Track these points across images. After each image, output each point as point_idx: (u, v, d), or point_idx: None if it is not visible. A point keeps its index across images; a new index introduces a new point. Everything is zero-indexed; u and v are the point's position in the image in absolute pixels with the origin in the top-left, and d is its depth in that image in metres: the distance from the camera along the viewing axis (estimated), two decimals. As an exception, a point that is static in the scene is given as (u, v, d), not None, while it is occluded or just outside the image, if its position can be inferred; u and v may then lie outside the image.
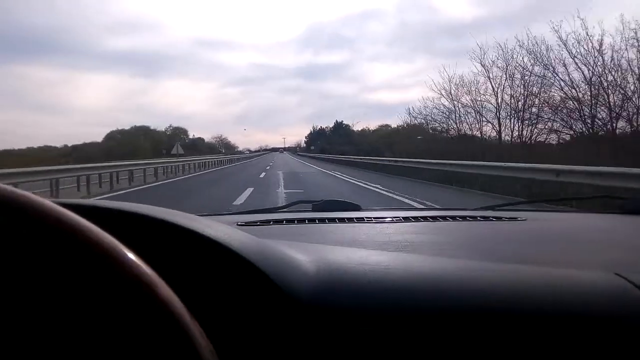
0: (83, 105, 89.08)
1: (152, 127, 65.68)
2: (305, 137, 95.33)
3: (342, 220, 1.08)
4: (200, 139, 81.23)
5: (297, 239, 0.81)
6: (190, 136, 79.88)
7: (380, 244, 0.82)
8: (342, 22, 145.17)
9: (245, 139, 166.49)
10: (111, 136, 57.28)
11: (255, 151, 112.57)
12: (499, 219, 1.10)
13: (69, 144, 57.35)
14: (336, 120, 71.47)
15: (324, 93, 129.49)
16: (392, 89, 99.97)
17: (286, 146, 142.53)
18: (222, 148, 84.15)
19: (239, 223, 1.03)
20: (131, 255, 0.26)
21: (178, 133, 71.10)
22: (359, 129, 57.43)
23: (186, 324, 0.25)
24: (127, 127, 61.14)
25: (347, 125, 67.60)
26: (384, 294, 0.41)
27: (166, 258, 0.35)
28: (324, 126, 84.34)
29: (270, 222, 1.07)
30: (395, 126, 45.06)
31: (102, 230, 0.27)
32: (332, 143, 56.18)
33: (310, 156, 51.32)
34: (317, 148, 59.61)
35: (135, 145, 51.06)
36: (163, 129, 69.38)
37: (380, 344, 0.39)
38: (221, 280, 0.38)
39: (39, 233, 0.25)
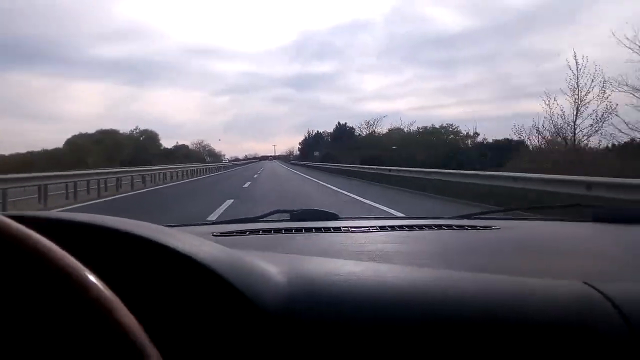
0: (72, 113, 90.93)
1: (121, 131, 60.87)
2: (300, 144, 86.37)
3: (318, 229, 1.16)
4: (184, 146, 76.98)
5: (273, 249, 0.87)
6: (174, 143, 75.45)
7: (355, 253, 0.88)
8: (331, 32, 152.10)
9: (233, 147, 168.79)
10: (72, 141, 52.81)
11: (240, 160, 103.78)
12: (473, 227, 1.19)
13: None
14: (338, 123, 64.70)
15: (313, 103, 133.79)
16: (381, 99, 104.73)
17: (277, 154, 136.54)
18: (207, 156, 79.67)
19: (214, 233, 1.09)
20: (87, 274, 0.28)
21: (151, 138, 64.93)
22: (364, 133, 51.53)
23: (146, 352, 0.27)
24: (91, 131, 56.88)
25: (350, 129, 60.73)
26: (355, 304, 0.45)
27: (130, 272, 0.39)
28: (321, 130, 76.03)
29: (247, 232, 1.14)
30: (408, 130, 40.93)
31: (60, 248, 0.28)
32: (334, 149, 50.47)
33: (309, 166, 42.86)
34: (320, 155, 52.26)
35: (87, 152, 46.28)
36: (128, 132, 63.24)
37: (351, 355, 0.42)
38: (189, 293, 0.41)
39: None
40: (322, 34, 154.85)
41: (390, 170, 16.49)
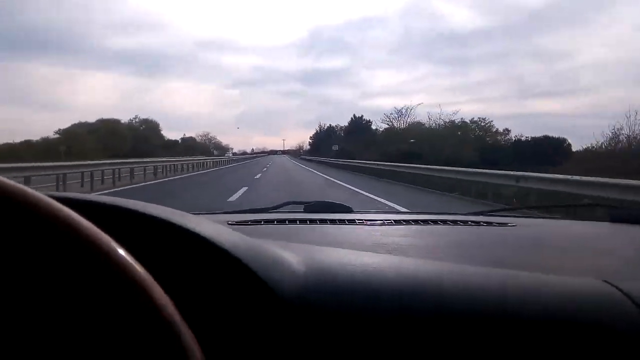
0: (82, 104, 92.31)
1: (123, 121, 58.37)
2: (310, 138, 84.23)
3: (333, 221, 1.20)
4: (191, 138, 77.19)
5: (288, 239, 0.86)
6: (182, 135, 75.47)
7: (370, 246, 0.90)
8: (343, 27, 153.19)
9: (244, 141, 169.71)
10: (69, 130, 49.94)
11: (247, 154, 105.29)
12: (489, 224, 1.22)
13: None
14: (353, 116, 61.03)
15: (324, 98, 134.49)
16: (391, 96, 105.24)
17: (286, 149, 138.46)
18: (214, 149, 79.18)
19: (229, 222, 1.13)
20: (127, 256, 0.30)
21: (151, 128, 62.09)
22: (381, 128, 48.39)
23: (179, 329, 0.29)
24: (92, 120, 54.65)
25: (367, 122, 57.30)
26: (371, 295, 0.46)
27: (157, 255, 0.40)
28: (333, 124, 73.39)
29: (261, 221, 1.19)
30: (431, 125, 37.69)
31: (98, 228, 0.30)
32: (348, 143, 47.50)
33: (322, 162, 39.34)
34: (338, 151, 47.72)
35: (81, 141, 42.87)
36: (127, 121, 60.35)
37: (367, 344, 0.43)
38: (211, 278, 0.43)
39: (35, 228, 0.28)
40: (334, 29, 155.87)
41: (443, 170, 12.91)
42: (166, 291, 0.30)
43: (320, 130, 79.47)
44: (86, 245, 0.29)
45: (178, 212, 0.49)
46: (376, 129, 50.96)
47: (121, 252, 0.30)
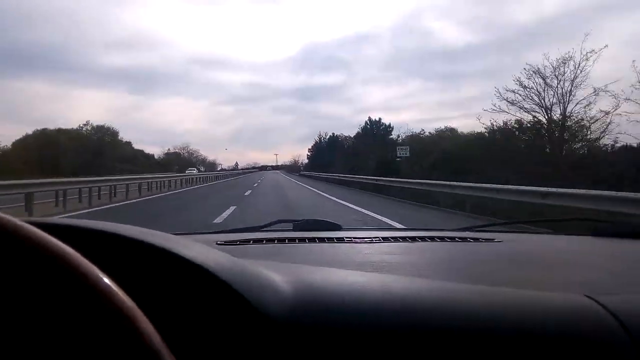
0: (73, 121, 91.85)
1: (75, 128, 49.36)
2: (309, 150, 73.66)
3: (322, 240, 1.20)
4: (176, 154, 68.65)
5: (276, 259, 0.90)
6: (166, 150, 66.77)
7: (359, 264, 0.90)
8: (336, 44, 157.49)
9: (236, 157, 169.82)
10: (23, 141, 43.48)
11: (237, 169, 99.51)
12: (476, 240, 1.24)
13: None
14: (368, 119, 48.69)
15: (317, 113, 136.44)
16: (384, 111, 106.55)
17: (279, 163, 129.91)
18: (199, 164, 73.20)
19: (218, 242, 1.13)
20: (112, 285, 0.30)
21: (108, 138, 50.93)
22: (400, 136, 38.64)
23: (164, 357, 0.29)
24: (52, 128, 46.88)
25: (388, 127, 46.22)
26: (359, 314, 0.46)
27: (141, 278, 0.40)
28: (337, 133, 62.74)
29: (250, 241, 1.18)
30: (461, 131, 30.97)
31: (82, 256, 0.30)
32: (357, 156, 38.62)
33: (338, 181, 27.13)
34: (341, 163, 40.82)
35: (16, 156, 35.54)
36: (77, 127, 50.20)
37: None
38: (197, 301, 0.42)
39: (17, 257, 0.28)
40: (327, 46, 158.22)
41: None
42: (152, 315, 0.30)
43: (320, 140, 68.62)
44: (72, 275, 0.29)
45: (162, 234, 0.49)
46: (398, 137, 40.65)
47: (106, 280, 0.30)
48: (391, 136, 45.02)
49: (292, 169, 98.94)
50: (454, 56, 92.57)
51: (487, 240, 1.25)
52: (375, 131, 48.47)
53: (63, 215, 9.83)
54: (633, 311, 0.50)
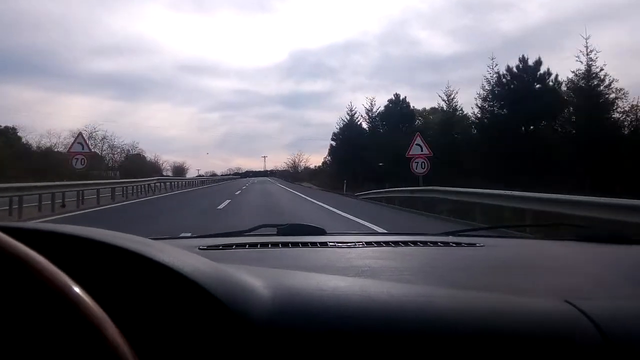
0: (61, 127, 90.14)
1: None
2: (334, 138, 41.87)
3: (305, 244, 1.20)
4: (138, 156, 51.75)
5: (259, 264, 0.88)
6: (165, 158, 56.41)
7: (341, 268, 0.90)
8: (324, 52, 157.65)
9: (221, 163, 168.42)
10: None
11: (216, 176, 75.53)
12: (458, 244, 1.24)
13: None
14: (395, 94, 34.00)
15: (305, 121, 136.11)
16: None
17: (268, 169, 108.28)
18: (166, 170, 58.60)
19: (200, 247, 1.12)
20: (78, 290, 0.29)
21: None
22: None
23: None
24: None
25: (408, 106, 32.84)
26: (340, 319, 0.46)
27: (116, 284, 0.40)
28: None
29: (232, 246, 1.18)
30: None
31: (48, 261, 0.30)
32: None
33: None
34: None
35: None
36: None
37: None
38: (175, 306, 0.42)
39: None
40: (315, 54, 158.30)
41: None
42: (128, 321, 0.30)
43: (351, 117, 38.65)
44: (39, 282, 0.29)
45: (140, 239, 0.48)
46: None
47: (74, 288, 0.30)
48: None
49: (284, 175, 71.84)
50: (440, 65, 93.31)
51: (469, 245, 1.26)
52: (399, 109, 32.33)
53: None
54: (611, 317, 0.51)
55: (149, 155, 59.23)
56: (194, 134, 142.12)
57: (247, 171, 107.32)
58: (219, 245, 1.18)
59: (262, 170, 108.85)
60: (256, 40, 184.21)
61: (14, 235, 0.30)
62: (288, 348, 0.44)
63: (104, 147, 45.09)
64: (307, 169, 70.99)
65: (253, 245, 1.20)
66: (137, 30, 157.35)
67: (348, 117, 39.36)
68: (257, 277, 0.51)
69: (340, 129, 40.41)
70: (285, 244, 1.21)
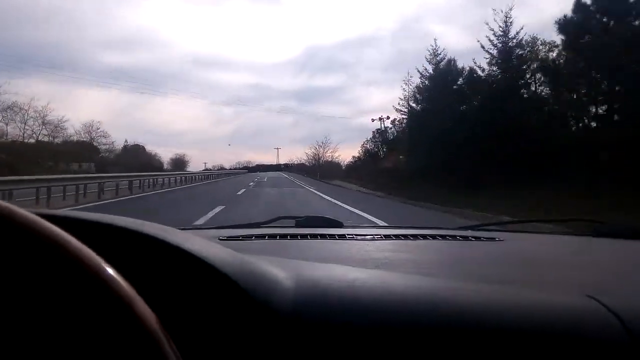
0: (75, 120, 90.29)
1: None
2: (403, 108, 24.45)
3: (323, 236, 1.21)
4: (138, 147, 52.89)
5: (278, 255, 0.87)
6: (175, 151, 55.72)
7: (360, 261, 0.91)
8: (338, 46, 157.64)
9: (233, 157, 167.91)
10: None
11: (221, 170, 66.81)
12: (477, 239, 1.24)
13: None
14: (448, 61, 19.71)
15: (318, 115, 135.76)
16: (385, 113, 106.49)
17: (281, 163, 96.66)
18: (169, 165, 58.16)
19: (220, 237, 1.14)
20: (110, 271, 0.31)
21: None
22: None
23: (163, 345, 0.30)
24: None
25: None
26: (360, 310, 0.47)
27: (144, 271, 0.41)
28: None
29: (252, 237, 1.19)
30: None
31: (82, 244, 0.31)
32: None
33: None
34: None
35: None
36: None
37: (354, 359, 0.44)
38: (199, 294, 0.43)
39: (21, 246, 0.29)
40: (328, 48, 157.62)
41: None
42: (155, 307, 0.31)
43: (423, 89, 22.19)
44: (75, 264, 0.30)
45: (168, 228, 0.49)
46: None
47: (109, 270, 0.31)
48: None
49: (310, 172, 53.87)
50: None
51: (488, 239, 1.25)
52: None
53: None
54: (635, 311, 0.50)
55: (151, 149, 55.07)
56: (207, 127, 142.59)
57: (257, 165, 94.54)
58: (238, 236, 1.19)
59: (275, 164, 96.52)
60: (270, 34, 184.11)
61: (52, 222, 0.31)
62: (311, 338, 0.44)
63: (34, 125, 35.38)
64: (329, 162, 54.12)
65: (272, 236, 1.21)
66: (149, 23, 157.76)
67: (434, 63, 21.65)
68: (278, 267, 0.52)
69: (420, 87, 22.70)
70: (304, 236, 1.22)
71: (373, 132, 36.95)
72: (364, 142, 39.65)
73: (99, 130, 46.18)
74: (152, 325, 0.30)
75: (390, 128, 33.01)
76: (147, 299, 0.31)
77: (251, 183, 28.93)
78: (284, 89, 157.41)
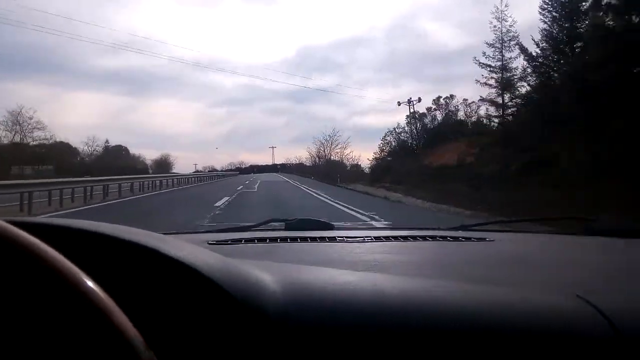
0: (67, 124, 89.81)
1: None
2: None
3: (314, 239, 1.20)
4: (122, 148, 50.60)
5: (268, 258, 0.90)
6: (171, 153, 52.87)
7: (350, 263, 0.91)
8: (331, 46, 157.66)
9: (228, 158, 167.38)
10: None
11: (218, 171, 61.82)
12: (468, 239, 1.24)
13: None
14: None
15: (312, 115, 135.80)
16: (379, 113, 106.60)
17: (277, 163, 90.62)
18: (151, 167, 54.44)
19: (209, 242, 1.13)
20: (88, 281, 0.30)
21: None
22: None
23: (140, 353, 0.29)
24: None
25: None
26: (351, 313, 0.47)
27: (129, 278, 0.41)
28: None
29: (241, 240, 1.18)
30: None
31: (59, 254, 0.30)
32: None
33: None
34: None
35: None
36: None
37: None
38: (185, 300, 0.42)
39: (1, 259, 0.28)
40: (322, 49, 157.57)
41: None
42: (140, 314, 0.31)
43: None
44: (51, 275, 0.29)
45: (153, 234, 0.48)
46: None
47: (86, 280, 0.30)
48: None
49: (312, 173, 46.59)
50: (448, 59, 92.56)
51: (479, 239, 1.25)
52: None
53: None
54: (623, 311, 0.50)
55: (134, 151, 50.60)
56: (200, 129, 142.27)
57: (251, 165, 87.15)
58: (227, 240, 1.19)
59: (270, 164, 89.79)
60: (263, 35, 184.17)
61: (26, 229, 0.31)
62: (303, 342, 0.44)
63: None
64: (330, 161, 46.04)
65: (262, 240, 1.21)
66: (141, 25, 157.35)
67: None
68: (267, 271, 0.52)
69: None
70: (293, 239, 1.21)
71: (407, 116, 30.29)
72: (386, 134, 35.51)
73: (31, 121, 36.05)
74: (131, 336, 0.30)
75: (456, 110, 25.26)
76: (130, 306, 0.30)
77: (229, 196, 16.14)
78: (278, 89, 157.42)
